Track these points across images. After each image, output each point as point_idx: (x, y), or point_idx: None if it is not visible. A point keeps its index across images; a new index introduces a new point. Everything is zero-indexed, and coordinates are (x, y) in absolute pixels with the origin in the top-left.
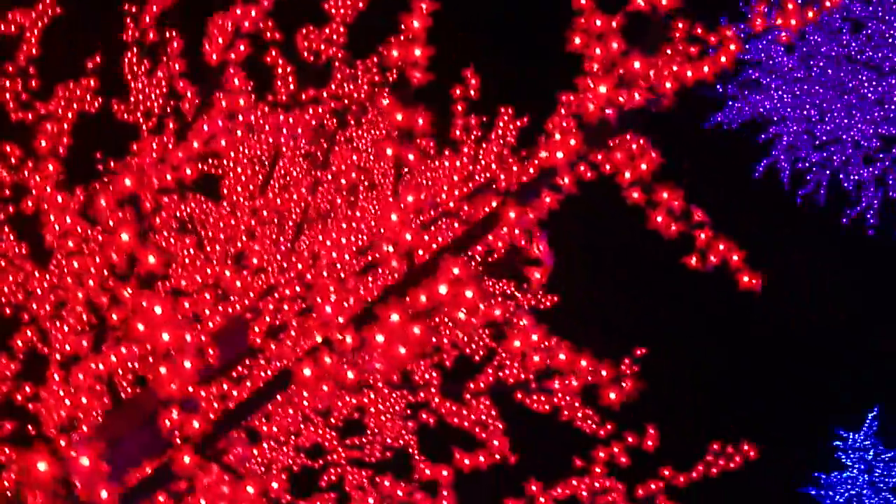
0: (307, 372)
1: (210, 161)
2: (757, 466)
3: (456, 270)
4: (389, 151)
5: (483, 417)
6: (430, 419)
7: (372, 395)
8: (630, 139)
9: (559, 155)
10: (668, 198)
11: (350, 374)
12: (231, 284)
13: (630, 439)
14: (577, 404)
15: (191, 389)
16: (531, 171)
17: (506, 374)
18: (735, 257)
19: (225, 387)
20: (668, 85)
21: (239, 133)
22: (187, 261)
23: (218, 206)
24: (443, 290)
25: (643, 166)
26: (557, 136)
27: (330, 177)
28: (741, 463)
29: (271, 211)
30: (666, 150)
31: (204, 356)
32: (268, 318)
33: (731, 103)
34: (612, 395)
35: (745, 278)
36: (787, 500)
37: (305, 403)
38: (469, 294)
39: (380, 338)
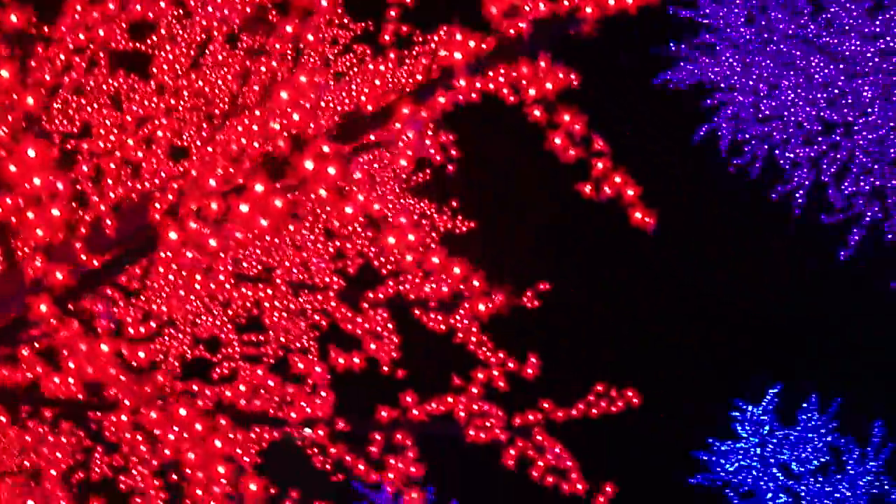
0: (173, 235)
1: (143, 37)
2: (653, 423)
3: (325, 148)
4: (289, 29)
5: (378, 329)
6: (322, 321)
7: (269, 291)
8: (543, 58)
9: (457, 55)
10: (569, 121)
11: (213, 242)
12: (140, 160)
13: (511, 364)
14: (474, 329)
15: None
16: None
17: (406, 288)
18: (630, 192)
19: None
20: (588, 10)
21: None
22: (102, 131)
23: (146, 83)
24: (309, 165)
25: (548, 85)
26: (458, 37)
27: (263, 68)
28: (623, 408)
29: (194, 94)
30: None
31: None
32: (171, 197)
33: (682, 64)
34: (482, 307)
35: (638, 214)
36: (678, 462)
37: (198, 287)
38: (331, 171)
39: (243, 207)
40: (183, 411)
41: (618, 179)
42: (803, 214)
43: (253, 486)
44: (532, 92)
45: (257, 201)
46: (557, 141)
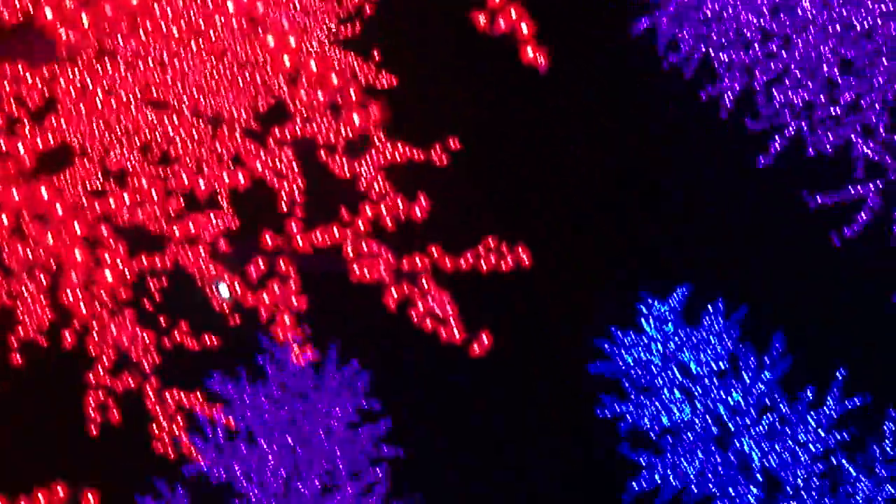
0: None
1: None
2: (556, 307)
3: None
4: None
5: (282, 167)
6: (229, 161)
7: (176, 121)
8: None
9: None
10: None
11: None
12: None
13: (400, 203)
14: (379, 179)
15: None
16: None
17: (314, 130)
18: (525, 29)
19: None
20: None
21: None
22: None
23: None
24: None
25: None
26: None
27: None
28: (513, 266)
29: None
30: None
31: None
32: None
33: None
34: (356, 118)
35: (530, 51)
36: (578, 349)
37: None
38: None
39: None
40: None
41: (514, 14)
42: (729, 118)
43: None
44: None
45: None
46: None
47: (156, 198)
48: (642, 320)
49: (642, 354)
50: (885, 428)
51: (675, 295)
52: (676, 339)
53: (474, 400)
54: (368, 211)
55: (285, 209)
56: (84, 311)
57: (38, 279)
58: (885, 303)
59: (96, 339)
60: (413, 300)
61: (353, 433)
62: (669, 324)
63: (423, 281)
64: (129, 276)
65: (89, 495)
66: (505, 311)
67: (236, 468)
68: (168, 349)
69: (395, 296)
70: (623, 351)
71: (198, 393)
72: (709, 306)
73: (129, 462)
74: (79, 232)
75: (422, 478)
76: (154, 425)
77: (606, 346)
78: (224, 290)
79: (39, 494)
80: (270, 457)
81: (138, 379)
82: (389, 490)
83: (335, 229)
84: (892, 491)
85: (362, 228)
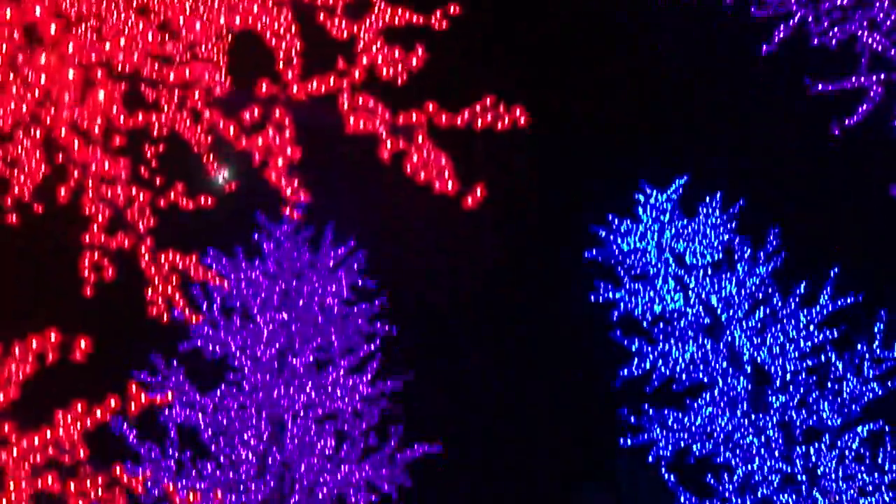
0: None
1: None
2: (553, 192)
3: None
4: None
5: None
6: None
7: None
8: None
9: None
10: None
11: None
12: None
13: (397, 53)
14: (378, 43)
15: None
16: None
17: None
18: None
19: None
20: None
21: None
22: None
23: None
24: None
25: None
26: None
27: None
28: (509, 125)
29: None
30: None
31: None
32: None
33: None
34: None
35: None
36: (569, 234)
37: None
38: None
39: None
40: None
41: None
42: (734, 4)
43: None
44: None
45: None
46: None
47: (151, 40)
48: (639, 209)
49: (638, 242)
50: (876, 328)
51: (673, 185)
52: (673, 228)
53: (468, 280)
54: (365, 60)
55: (281, 66)
56: (77, 152)
57: (33, 135)
58: (883, 196)
59: (91, 196)
60: (408, 152)
61: (348, 310)
62: (666, 213)
63: (419, 136)
64: (122, 121)
65: (82, 341)
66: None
67: (231, 343)
68: (163, 209)
69: (389, 147)
70: (619, 238)
71: (193, 256)
72: (706, 197)
73: (124, 332)
74: (72, 51)
75: (415, 355)
76: (149, 288)
77: (603, 232)
78: (227, 173)
79: (33, 340)
80: (265, 332)
81: (133, 240)
82: (382, 366)
83: (332, 79)
84: (879, 390)
85: (358, 77)
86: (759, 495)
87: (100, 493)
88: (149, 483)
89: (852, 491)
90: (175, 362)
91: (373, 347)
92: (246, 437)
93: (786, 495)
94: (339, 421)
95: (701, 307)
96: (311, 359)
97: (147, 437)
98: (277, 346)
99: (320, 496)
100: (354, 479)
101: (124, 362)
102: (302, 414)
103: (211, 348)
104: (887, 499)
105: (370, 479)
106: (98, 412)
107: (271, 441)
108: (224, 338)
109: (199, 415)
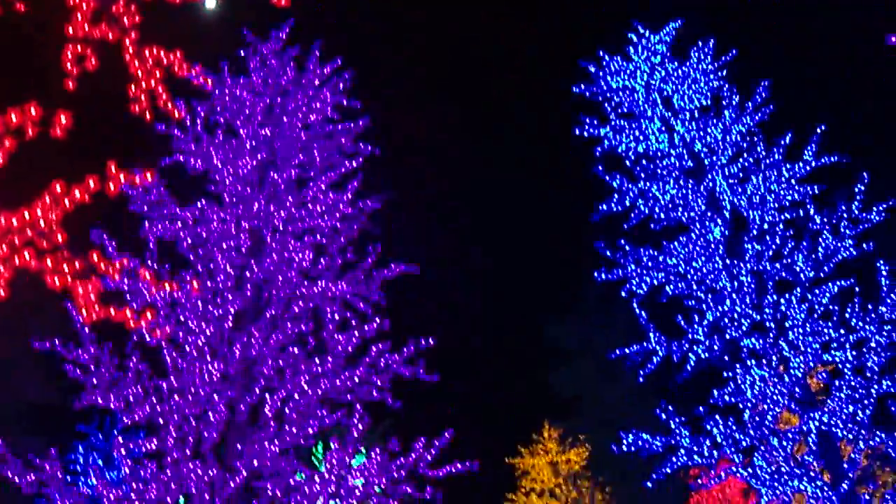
0: None
1: None
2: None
3: None
4: None
5: None
6: None
7: None
8: None
9: None
10: None
11: None
12: None
13: None
14: None
15: None
16: None
17: None
18: None
19: None
20: None
21: None
22: None
23: None
24: None
25: None
26: None
27: None
28: None
29: None
30: None
31: None
32: None
33: None
34: None
35: None
36: (563, 69)
37: None
38: None
39: None
40: None
41: None
42: None
43: None
44: None
45: None
46: None
47: None
48: (631, 48)
49: (627, 81)
50: (856, 189)
51: (667, 27)
52: (663, 71)
53: (454, 106)
54: None
55: None
56: None
57: None
58: (880, 47)
59: None
60: None
61: (331, 128)
62: (658, 56)
63: None
64: None
65: (62, 116)
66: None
67: (213, 156)
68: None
69: None
70: (608, 75)
71: (178, 52)
72: (699, 42)
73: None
74: None
75: (396, 177)
76: (132, 84)
77: (592, 67)
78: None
79: (12, 114)
80: (247, 146)
81: (117, 33)
82: (362, 185)
83: None
84: (853, 250)
85: None
86: (728, 337)
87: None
88: (125, 273)
89: (817, 345)
90: (157, 176)
91: (354, 165)
92: (225, 247)
93: (753, 339)
94: (317, 236)
95: (685, 150)
96: (293, 175)
97: (126, 248)
98: (259, 158)
99: (296, 310)
100: (331, 293)
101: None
102: (281, 228)
103: (193, 162)
104: (850, 356)
105: (346, 295)
106: (77, 192)
107: (250, 254)
108: (206, 150)
109: (179, 225)
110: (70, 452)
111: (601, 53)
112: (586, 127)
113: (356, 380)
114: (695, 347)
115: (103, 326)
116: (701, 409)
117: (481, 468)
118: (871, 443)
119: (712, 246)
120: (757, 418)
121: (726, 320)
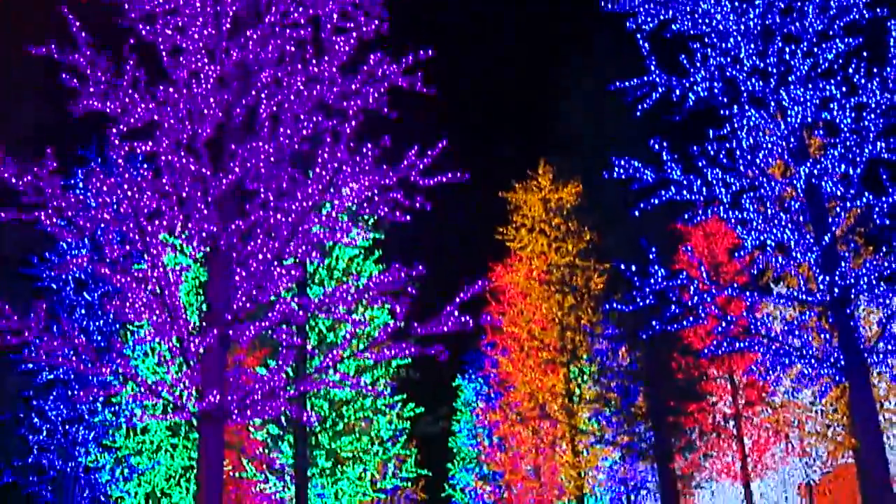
0: None
1: None
2: None
3: None
4: None
5: None
6: None
7: None
8: None
9: None
10: None
11: None
12: None
13: None
14: None
15: None
16: None
17: None
18: None
19: None
20: None
21: None
22: None
23: None
24: None
25: None
26: None
27: None
28: None
29: None
30: None
31: None
32: None
33: None
34: None
35: None
36: None
37: None
38: None
39: None
40: None
41: None
42: None
43: None
44: None
45: None
46: None
47: None
48: None
49: None
50: None
51: None
52: None
53: None
54: None
55: None
56: None
57: None
58: None
59: None
60: None
61: None
62: None
63: None
64: None
65: None
66: None
67: None
68: None
69: None
70: None
71: None
72: None
73: None
74: None
75: None
76: None
77: None
78: None
79: None
80: None
81: None
82: None
83: None
84: (866, 11)
85: None
86: (728, 76)
87: None
88: None
89: (817, 101)
90: None
91: None
92: None
93: (754, 80)
94: None
95: None
96: None
97: None
98: None
99: (296, 15)
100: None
101: None
102: None
103: None
104: (849, 117)
105: (346, 7)
106: None
107: None
108: None
109: None
110: (71, 178)
111: None
112: None
113: (353, 87)
114: (695, 87)
115: (100, 30)
116: (695, 148)
117: (476, 203)
118: (857, 202)
119: None
120: (749, 157)
121: (729, 59)
